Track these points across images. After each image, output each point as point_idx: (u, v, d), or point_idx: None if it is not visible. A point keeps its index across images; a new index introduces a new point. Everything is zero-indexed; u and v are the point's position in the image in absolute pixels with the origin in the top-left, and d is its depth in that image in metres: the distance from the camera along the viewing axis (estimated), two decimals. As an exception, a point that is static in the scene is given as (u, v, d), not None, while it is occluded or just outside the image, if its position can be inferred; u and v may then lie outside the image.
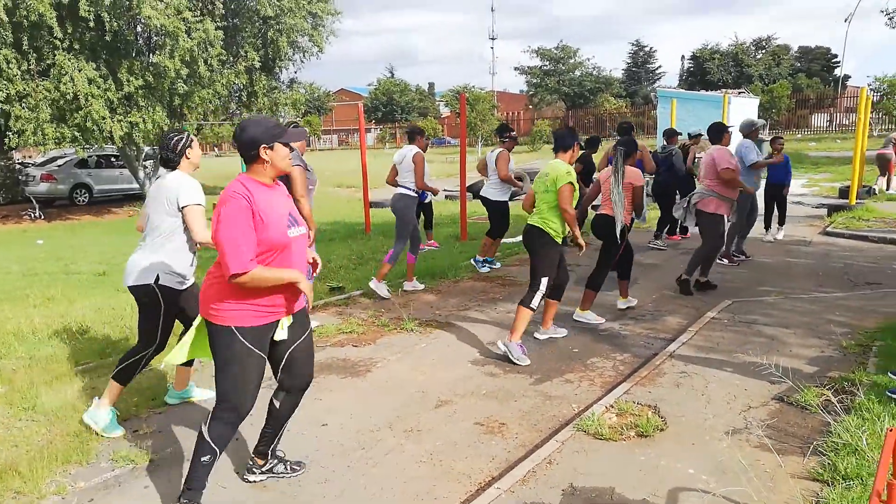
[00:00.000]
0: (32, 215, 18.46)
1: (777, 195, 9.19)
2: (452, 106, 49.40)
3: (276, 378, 3.22)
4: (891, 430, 2.14)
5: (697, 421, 3.83)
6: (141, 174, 19.67)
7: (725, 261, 8.07)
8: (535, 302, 4.99)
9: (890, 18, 22.73)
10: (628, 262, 6.21)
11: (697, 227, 6.96)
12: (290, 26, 18.30)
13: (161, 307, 3.82)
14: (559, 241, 5.06)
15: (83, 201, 20.65)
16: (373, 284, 6.93)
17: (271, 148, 2.83)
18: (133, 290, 3.87)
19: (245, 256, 2.71)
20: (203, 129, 22.55)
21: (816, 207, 12.69)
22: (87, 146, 17.63)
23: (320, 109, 62.63)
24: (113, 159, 21.46)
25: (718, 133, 6.85)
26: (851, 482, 3.01)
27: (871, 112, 24.72)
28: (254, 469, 3.38)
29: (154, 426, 4.03)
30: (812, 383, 4.24)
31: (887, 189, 14.07)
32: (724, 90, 29.34)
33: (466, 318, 6.21)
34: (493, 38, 61.30)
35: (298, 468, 3.43)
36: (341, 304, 6.74)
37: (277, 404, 3.27)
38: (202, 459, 2.94)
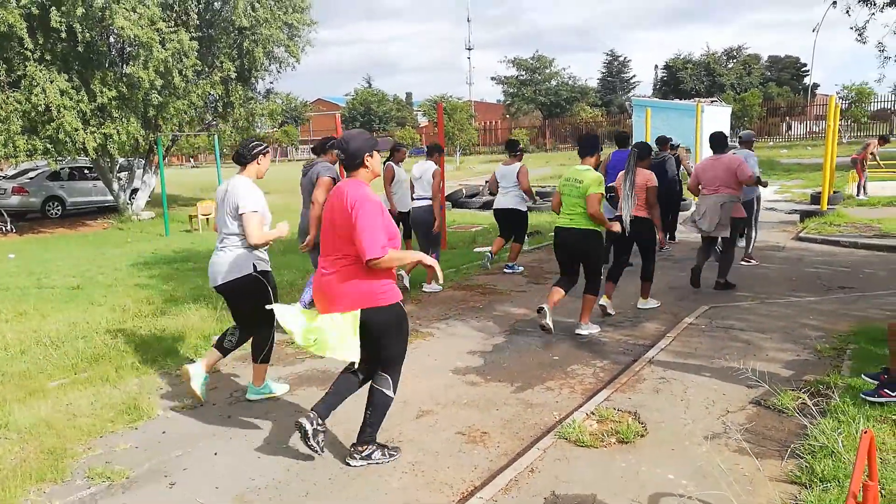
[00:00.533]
0: (4, 229, 18.09)
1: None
2: (430, 115, 49.55)
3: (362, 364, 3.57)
4: (865, 433, 2.18)
5: (677, 426, 3.86)
6: (115, 186, 19.41)
7: (753, 261, 8.52)
8: (599, 289, 5.80)
9: (860, 34, 23.29)
10: (620, 267, 6.56)
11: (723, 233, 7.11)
12: (265, 37, 18.22)
13: (267, 289, 4.28)
14: (602, 232, 5.69)
15: (56, 214, 20.29)
16: (427, 287, 7.69)
17: (371, 155, 3.43)
18: (229, 285, 4.25)
19: (380, 243, 3.29)
20: (178, 141, 22.29)
21: (789, 213, 12.93)
22: (60, 158, 17.36)
23: (297, 120, 62.40)
24: (86, 171, 21.13)
25: (723, 143, 7.11)
26: (828, 484, 3.05)
27: (840, 120, 25.27)
28: (354, 455, 3.60)
29: (130, 442, 3.96)
30: (788, 387, 4.30)
31: (857, 195, 14.38)
32: (696, 99, 29.82)
33: (447, 327, 6.21)
34: (469, 49, 61.52)
35: (395, 453, 3.67)
36: (321, 315, 6.70)
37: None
38: (383, 402, 3.57)
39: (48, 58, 15.43)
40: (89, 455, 3.81)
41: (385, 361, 3.58)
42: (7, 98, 15.19)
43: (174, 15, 16.85)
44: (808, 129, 38.85)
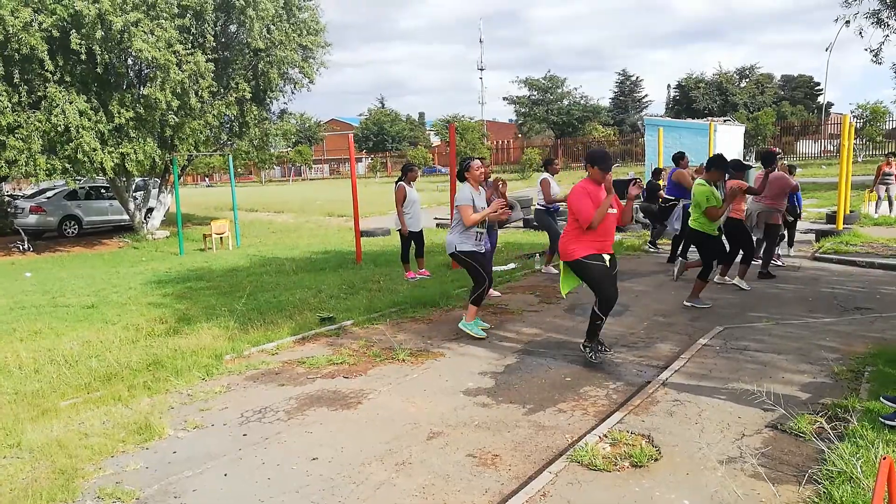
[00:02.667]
0: (21, 247, 18.35)
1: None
2: (442, 135, 49.90)
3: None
4: (884, 459, 2.13)
5: (691, 450, 3.80)
6: (131, 205, 19.64)
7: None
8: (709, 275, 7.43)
9: (875, 56, 23.27)
10: (747, 247, 8.15)
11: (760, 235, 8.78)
12: (280, 58, 18.50)
13: (470, 262, 6.28)
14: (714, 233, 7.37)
15: (72, 233, 20.56)
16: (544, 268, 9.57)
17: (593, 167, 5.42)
18: (451, 255, 6.48)
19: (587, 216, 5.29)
20: (194, 160, 22.55)
21: (805, 233, 12.79)
22: (79, 178, 17.63)
23: (311, 139, 63.00)
24: (103, 191, 21.43)
25: (770, 160, 8.72)
26: (847, 511, 2.98)
27: (855, 138, 25.11)
28: (586, 347, 5.55)
29: (141, 462, 3.96)
30: (805, 410, 4.23)
31: (875, 213, 14.28)
32: (709, 118, 29.78)
33: (458, 347, 6.18)
34: (481, 69, 62.12)
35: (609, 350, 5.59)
36: (332, 335, 6.70)
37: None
38: (596, 323, 5.50)
39: (68, 79, 15.75)
40: (100, 475, 3.80)
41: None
42: (28, 118, 15.49)
43: (191, 37, 17.15)
44: (822, 148, 38.63)
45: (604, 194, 5.39)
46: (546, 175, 9.42)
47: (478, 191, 6.47)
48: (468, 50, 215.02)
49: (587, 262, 5.44)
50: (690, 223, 7.48)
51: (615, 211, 5.49)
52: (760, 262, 8.82)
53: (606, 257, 5.45)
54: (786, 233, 9.89)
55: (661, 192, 11.04)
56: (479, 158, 6.71)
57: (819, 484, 3.30)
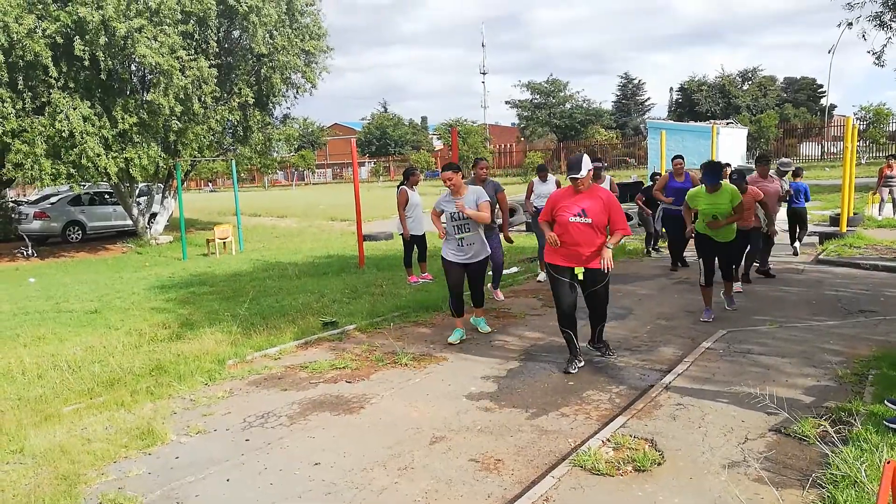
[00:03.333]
0: (25, 253, 18.39)
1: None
2: (445, 139, 49.91)
3: None
4: (888, 463, 2.12)
5: (695, 454, 3.79)
6: (135, 211, 19.68)
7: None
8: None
9: (878, 58, 23.27)
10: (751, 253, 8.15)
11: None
12: (283, 63, 18.53)
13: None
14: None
15: (76, 238, 20.61)
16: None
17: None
18: None
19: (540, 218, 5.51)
20: (197, 165, 22.61)
21: (808, 235, 12.76)
22: (83, 183, 17.67)
23: (314, 144, 63.13)
24: (106, 196, 21.48)
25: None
26: (852, 515, 2.97)
27: (858, 141, 25.07)
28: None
29: (143, 468, 3.96)
30: (809, 414, 4.21)
31: (879, 215, 14.25)
32: (712, 121, 29.77)
33: (461, 351, 6.18)
34: (483, 73, 62.06)
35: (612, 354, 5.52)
36: (335, 340, 6.70)
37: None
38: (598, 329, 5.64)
39: (71, 85, 15.80)
40: (102, 481, 3.81)
41: None
42: (32, 123, 15.54)
43: (194, 43, 17.20)
44: (825, 151, 38.54)
45: (580, 200, 5.18)
46: (534, 180, 9.50)
47: (459, 195, 6.11)
48: (470, 54, 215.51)
49: (549, 271, 5.47)
50: (697, 226, 7.22)
51: (581, 220, 5.13)
52: (757, 264, 8.88)
53: (580, 270, 5.22)
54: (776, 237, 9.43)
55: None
56: (450, 164, 6.41)
57: (823, 488, 3.29)
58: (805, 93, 54.85)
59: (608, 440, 3.99)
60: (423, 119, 72.07)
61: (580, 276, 5.26)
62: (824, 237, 11.69)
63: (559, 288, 5.37)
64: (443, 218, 6.33)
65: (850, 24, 23.84)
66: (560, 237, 5.19)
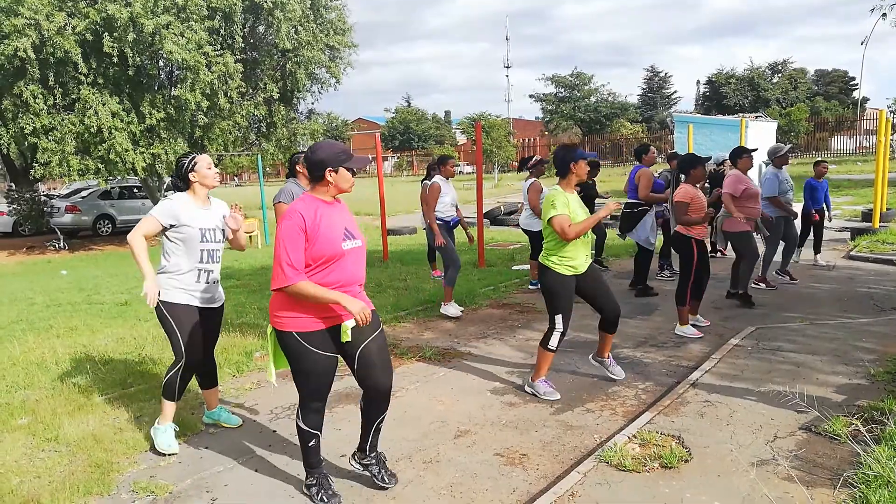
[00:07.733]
0: (57, 246, 18.78)
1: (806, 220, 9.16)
2: (468, 133, 49.80)
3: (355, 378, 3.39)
4: (925, 463, 2.08)
5: (723, 452, 3.75)
6: (163, 204, 19.99)
7: (762, 285, 8.05)
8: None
9: None
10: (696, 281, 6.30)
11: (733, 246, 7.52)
12: (308, 59, 18.64)
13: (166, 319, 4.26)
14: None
15: (106, 232, 20.99)
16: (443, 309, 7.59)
17: (336, 171, 3.17)
18: None
19: (287, 272, 3.08)
20: (223, 160, 22.87)
21: (839, 231, 12.53)
22: (111, 178, 17.99)
23: (338, 138, 63.38)
24: (135, 190, 21.85)
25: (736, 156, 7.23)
26: (885, 516, 2.92)
27: (892, 134, 24.51)
28: (354, 458, 3.62)
29: (174, 458, 4.03)
30: (840, 412, 4.14)
31: None
32: (741, 114, 29.28)
33: (485, 346, 6.18)
34: (507, 67, 61.86)
35: (389, 482, 3.51)
36: (360, 333, 6.73)
37: (362, 405, 3.48)
38: (309, 444, 3.37)
39: (100, 81, 16.07)
40: (134, 469, 3.89)
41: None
42: (62, 120, 15.85)
43: (220, 39, 17.37)
44: (857, 144, 37.74)
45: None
46: (533, 179, 8.22)
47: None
48: (494, 48, 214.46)
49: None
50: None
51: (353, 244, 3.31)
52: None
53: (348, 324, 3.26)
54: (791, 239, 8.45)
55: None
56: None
57: (854, 488, 3.23)
58: (836, 85, 53.78)
59: (634, 436, 3.97)
60: (447, 113, 72.12)
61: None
62: (856, 233, 11.46)
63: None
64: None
65: (884, 14, 23.29)
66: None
